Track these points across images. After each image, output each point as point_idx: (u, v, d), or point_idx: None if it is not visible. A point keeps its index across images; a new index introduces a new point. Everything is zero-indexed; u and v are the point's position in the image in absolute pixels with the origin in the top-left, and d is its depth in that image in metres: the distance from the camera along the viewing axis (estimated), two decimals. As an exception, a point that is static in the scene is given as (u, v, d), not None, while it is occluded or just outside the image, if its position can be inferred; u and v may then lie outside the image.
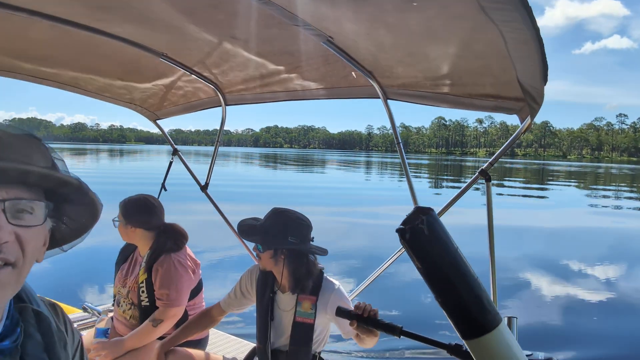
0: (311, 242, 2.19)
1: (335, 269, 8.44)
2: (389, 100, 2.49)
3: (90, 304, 3.56)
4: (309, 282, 2.14)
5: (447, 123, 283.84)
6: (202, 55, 2.50)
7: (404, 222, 0.86)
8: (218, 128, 3.28)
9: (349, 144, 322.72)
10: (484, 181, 2.17)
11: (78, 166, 43.51)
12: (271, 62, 2.45)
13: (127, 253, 2.85)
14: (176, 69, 2.64)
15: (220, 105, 3.05)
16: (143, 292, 2.59)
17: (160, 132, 3.52)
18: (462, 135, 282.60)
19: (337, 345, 4.70)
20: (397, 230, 0.86)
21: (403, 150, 2.58)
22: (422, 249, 0.85)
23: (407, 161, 2.58)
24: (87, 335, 2.70)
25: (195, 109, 3.19)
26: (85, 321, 3.37)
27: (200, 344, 2.72)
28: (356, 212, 16.99)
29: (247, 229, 2.21)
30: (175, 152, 3.39)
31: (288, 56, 2.38)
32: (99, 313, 3.43)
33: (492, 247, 2.16)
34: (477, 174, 2.23)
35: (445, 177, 43.16)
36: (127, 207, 2.65)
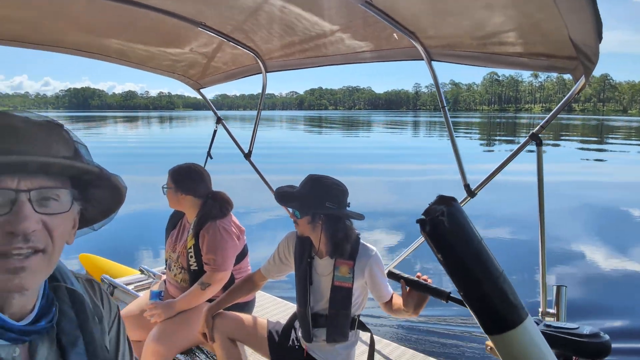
0: (347, 208, 2.21)
1: (383, 230, 8.50)
2: (433, 62, 2.41)
3: (146, 267, 3.81)
4: (347, 246, 2.17)
5: (500, 78, 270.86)
6: (240, 22, 2.49)
7: (425, 212, 0.83)
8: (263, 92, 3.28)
9: (396, 103, 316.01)
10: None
11: (131, 133, 45.37)
12: (309, 27, 2.41)
13: (175, 219, 2.98)
14: (216, 38, 2.65)
15: (261, 72, 3.05)
16: (192, 257, 2.72)
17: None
18: (517, 90, 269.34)
19: (378, 310, 4.76)
20: (418, 221, 0.84)
21: (449, 115, 2.50)
22: (442, 241, 0.82)
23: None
24: (143, 296, 2.89)
25: (237, 76, 3.21)
26: (142, 282, 3.61)
27: (247, 306, 2.85)
28: (405, 171, 16.79)
29: (284, 196, 2.25)
30: (219, 121, 3.46)
31: (326, 20, 2.33)
32: (154, 275, 3.67)
33: (542, 216, 2.09)
34: (527, 137, 2.14)
35: (498, 136, 41.48)
36: (178, 174, 2.75)
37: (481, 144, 31.51)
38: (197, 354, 2.72)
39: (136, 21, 2.37)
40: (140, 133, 47.83)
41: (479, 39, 2.01)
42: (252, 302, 2.94)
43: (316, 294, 2.26)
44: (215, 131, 3.47)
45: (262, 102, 3.33)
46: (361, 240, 2.25)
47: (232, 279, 2.74)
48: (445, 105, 2.50)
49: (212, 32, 2.57)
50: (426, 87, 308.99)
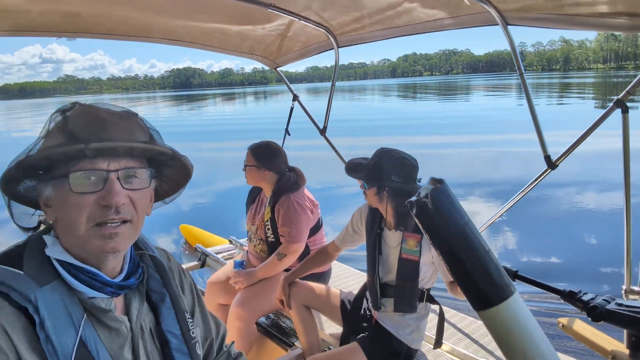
0: (418, 183, 2.23)
1: (478, 198, 8.27)
2: (509, 26, 2.30)
3: (234, 237, 4.15)
4: (411, 220, 2.21)
5: (617, 33, 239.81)
6: (308, 0, 2.55)
7: (417, 194, 0.86)
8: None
9: (498, 65, 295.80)
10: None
11: (229, 110, 47.84)
12: (377, -1, 2.41)
13: (254, 194, 3.20)
14: (287, 17, 2.74)
15: (333, 48, 3.11)
16: (269, 229, 2.92)
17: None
18: (636, 46, 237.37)
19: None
20: (407, 202, 0.88)
21: (527, 82, 2.38)
22: (428, 222, 0.85)
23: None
24: (229, 265, 3.18)
25: (311, 53, 3.30)
26: (231, 252, 3.95)
27: (323, 276, 3.01)
28: (504, 140, 15.88)
29: (353, 167, 2.32)
30: (295, 98, 3.59)
31: None
32: (241, 245, 3.98)
33: (627, 188, 1.95)
34: (612, 104, 1.99)
35: (614, 97, 37.09)
36: (261, 152, 2.94)
37: (596, 107, 28.51)
38: (277, 318, 2.96)
39: (208, 7, 2.53)
40: (237, 110, 50.29)
41: (554, 0, 1.88)
42: (328, 273, 3.10)
43: (385, 264, 2.34)
44: (292, 108, 3.62)
45: (336, 77, 3.38)
46: None
47: (307, 250, 2.91)
48: (523, 72, 2.38)
49: (282, 12, 2.66)
50: (532, 45, 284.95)
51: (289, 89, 3.65)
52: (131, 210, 0.94)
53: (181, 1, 2.43)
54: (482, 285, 0.84)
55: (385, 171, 2.18)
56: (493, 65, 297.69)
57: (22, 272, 0.87)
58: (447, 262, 0.85)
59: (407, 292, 2.25)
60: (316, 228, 2.99)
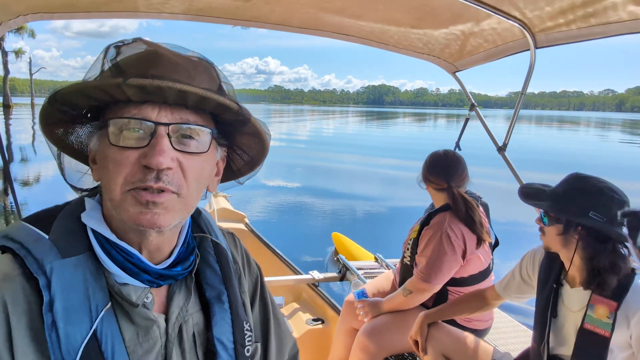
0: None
1: None
2: None
3: (381, 256, 3.89)
4: (611, 280, 1.64)
5: None
6: (502, -13, 2.20)
7: None
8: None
9: None
10: None
11: (423, 131, 47.85)
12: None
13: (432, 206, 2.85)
14: (473, 10, 2.41)
15: (529, 49, 2.64)
16: (408, 249, 2.60)
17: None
18: None
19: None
20: None
21: None
22: None
23: None
24: (367, 285, 2.93)
25: (499, 55, 2.86)
26: (374, 270, 3.66)
27: (478, 333, 2.51)
28: None
29: (532, 192, 1.84)
30: (472, 108, 3.19)
31: None
32: (387, 266, 3.71)
33: None
34: None
35: None
36: (425, 160, 2.68)
37: None
38: (409, 360, 2.60)
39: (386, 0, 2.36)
40: (425, 131, 50.02)
41: None
42: (486, 330, 2.62)
43: (558, 332, 1.82)
44: (467, 119, 3.23)
45: (527, 86, 2.88)
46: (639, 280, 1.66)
47: (444, 293, 2.49)
48: None
49: (469, 2, 2.34)
50: None
51: (467, 96, 3.26)
52: (179, 180, 0.75)
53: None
54: None
55: (582, 203, 1.66)
56: None
57: (46, 236, 0.74)
58: None
59: None
60: (483, 275, 2.54)
